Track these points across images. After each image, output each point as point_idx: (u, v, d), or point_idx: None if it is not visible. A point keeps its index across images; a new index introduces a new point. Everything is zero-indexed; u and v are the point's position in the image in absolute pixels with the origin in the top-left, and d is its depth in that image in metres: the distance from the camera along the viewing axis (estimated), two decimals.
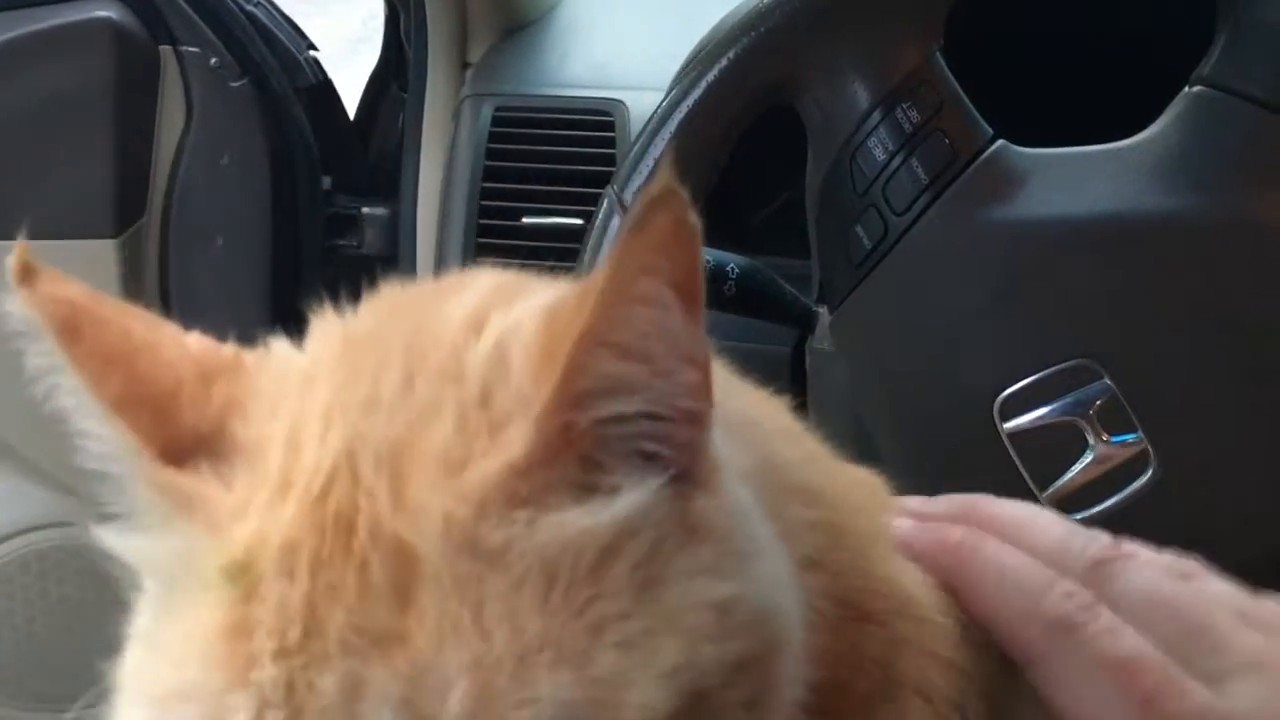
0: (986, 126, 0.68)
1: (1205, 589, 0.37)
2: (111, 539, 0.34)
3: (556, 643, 0.29)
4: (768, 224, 1.14)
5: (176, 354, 0.35)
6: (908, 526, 0.40)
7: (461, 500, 0.30)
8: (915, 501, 0.42)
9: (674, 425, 0.31)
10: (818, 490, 0.38)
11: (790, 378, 0.96)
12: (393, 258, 1.25)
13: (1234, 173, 0.64)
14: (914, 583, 0.38)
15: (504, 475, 0.30)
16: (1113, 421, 0.64)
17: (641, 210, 0.28)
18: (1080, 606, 0.35)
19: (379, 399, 0.32)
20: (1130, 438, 0.64)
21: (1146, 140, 0.66)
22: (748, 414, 0.38)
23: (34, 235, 1.11)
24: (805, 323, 0.86)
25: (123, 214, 1.14)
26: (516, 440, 0.30)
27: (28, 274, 0.34)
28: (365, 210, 1.29)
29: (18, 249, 0.34)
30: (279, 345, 0.37)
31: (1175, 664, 0.34)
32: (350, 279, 1.38)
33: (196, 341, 0.37)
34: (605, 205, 0.74)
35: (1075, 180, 0.67)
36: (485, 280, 0.37)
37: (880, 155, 0.68)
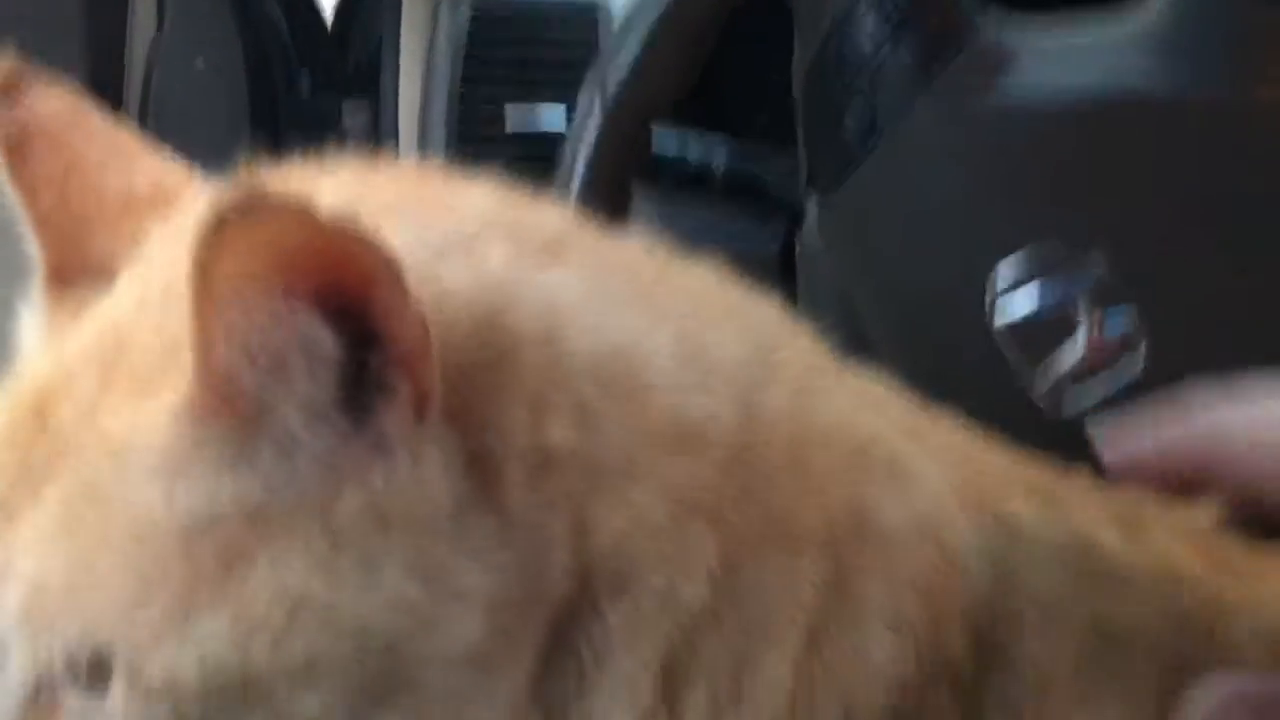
0: (976, 8, 0.66)
1: None
2: (22, 317, 0.36)
3: (116, 588, 0.29)
4: (755, 118, 1.12)
5: (116, 181, 0.36)
6: (1139, 447, 0.39)
7: (131, 430, 0.29)
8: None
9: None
10: (720, 430, 0.34)
11: (779, 275, 0.95)
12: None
13: (1230, 49, 0.63)
14: (893, 505, 0.37)
15: (172, 419, 0.29)
16: (1105, 311, 0.64)
17: (219, 223, 0.25)
18: None
19: (150, 292, 0.32)
20: (1122, 321, 0.64)
21: (1140, 18, 0.65)
22: (637, 376, 0.33)
23: None
24: (793, 215, 0.85)
25: None
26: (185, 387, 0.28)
27: (9, 90, 0.35)
28: (346, 107, 1.27)
29: (3, 67, 0.36)
30: (214, 187, 0.36)
31: None
32: None
33: (151, 169, 0.37)
34: (585, 96, 0.72)
35: (1067, 61, 0.66)
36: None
37: (868, 42, 0.67)
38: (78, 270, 0.35)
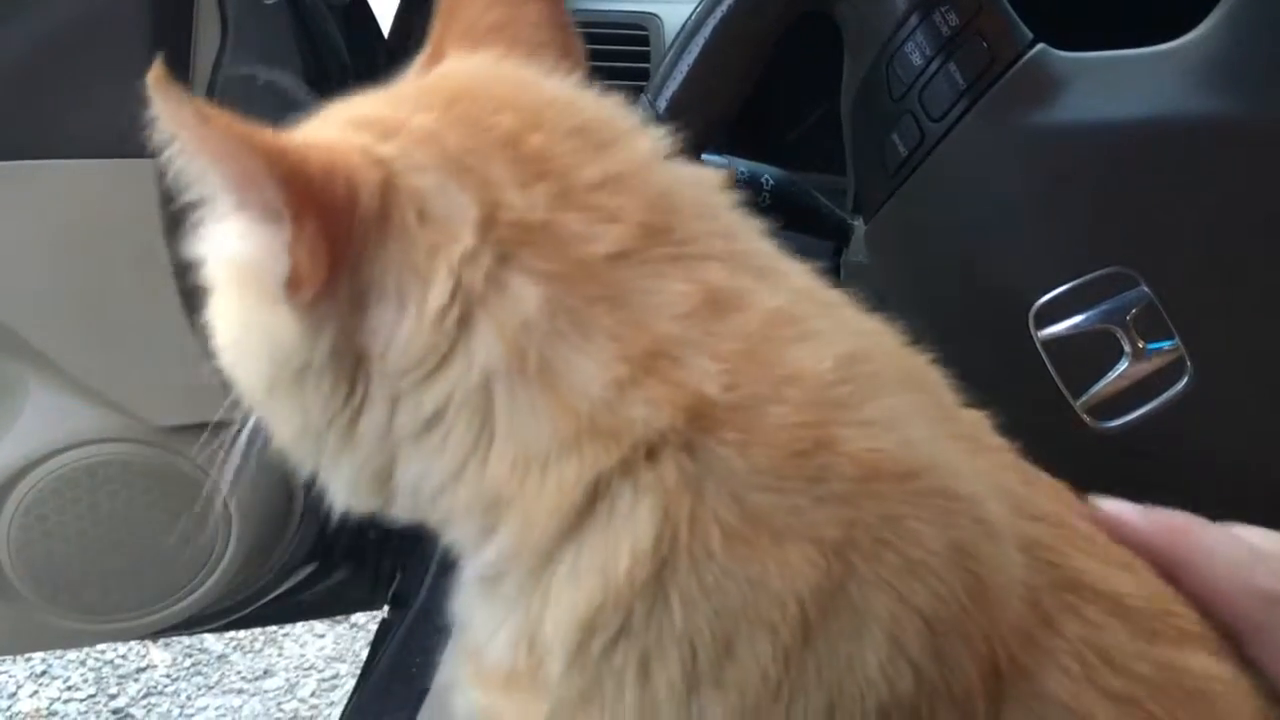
0: (1026, 30, 0.67)
1: None
2: None
3: None
4: (804, 139, 1.13)
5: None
6: (1131, 512, 0.43)
7: None
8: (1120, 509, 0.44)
9: None
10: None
11: None
12: None
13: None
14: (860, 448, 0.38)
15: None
16: (1149, 329, 0.64)
17: None
18: None
19: None
20: (1166, 345, 0.64)
21: (1193, 42, 0.65)
22: None
23: (77, 154, 1.11)
24: (840, 234, 0.86)
25: None
26: None
27: None
28: None
29: None
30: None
31: None
32: None
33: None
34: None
35: (1117, 84, 0.66)
36: None
37: (917, 60, 0.67)
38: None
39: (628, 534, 0.37)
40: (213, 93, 1.20)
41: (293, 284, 0.39)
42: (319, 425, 0.41)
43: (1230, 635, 0.41)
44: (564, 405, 0.37)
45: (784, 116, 1.13)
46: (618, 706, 0.37)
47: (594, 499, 0.37)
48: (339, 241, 0.38)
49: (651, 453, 0.37)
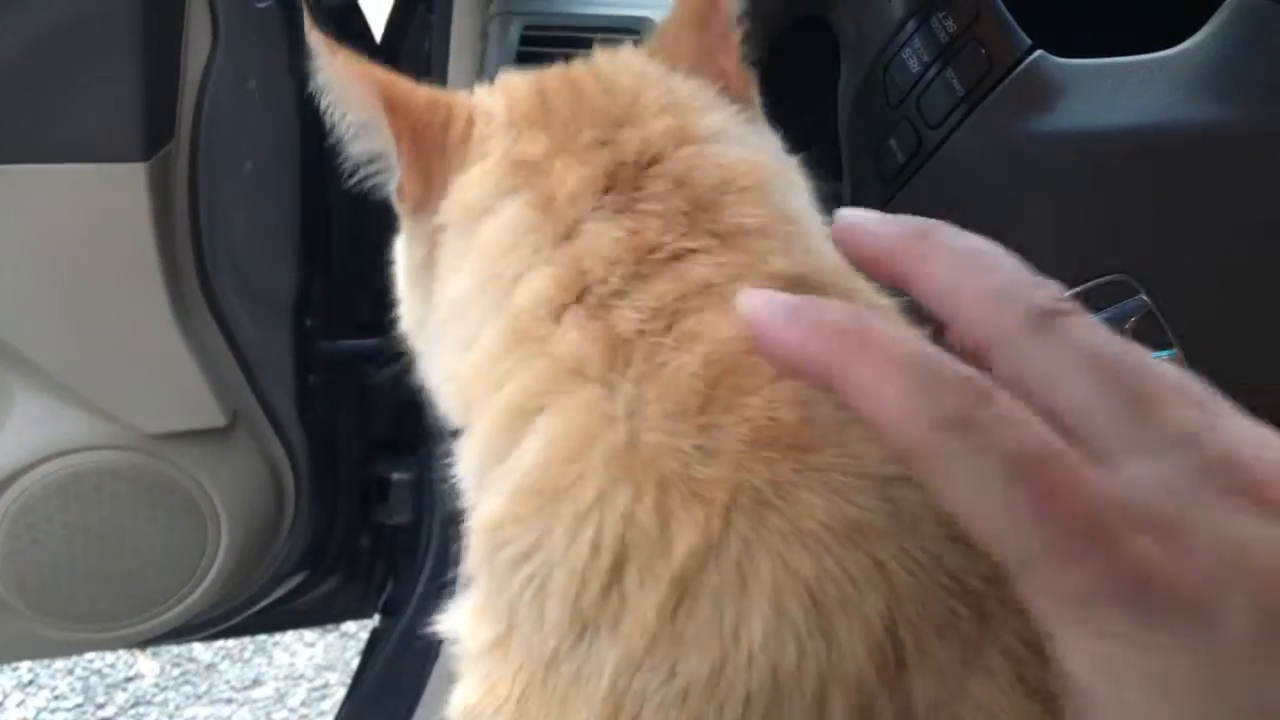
0: (1024, 36, 0.66)
1: (1149, 358, 0.30)
2: None
3: None
4: (800, 145, 1.12)
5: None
6: (868, 221, 0.34)
7: None
8: (862, 215, 0.35)
9: None
10: None
11: None
12: None
13: (1274, 82, 0.63)
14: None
15: None
16: (1149, 338, 0.63)
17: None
18: (975, 397, 0.28)
19: None
20: (1166, 354, 0.63)
21: (1189, 50, 0.64)
22: None
23: (64, 158, 1.10)
24: None
25: (151, 137, 1.14)
26: None
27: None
28: None
29: None
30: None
31: (1083, 446, 0.28)
32: (381, 205, 1.37)
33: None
34: None
35: (1115, 92, 0.65)
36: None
37: (915, 66, 0.67)
38: None
39: (524, 459, 0.41)
40: (203, 95, 1.19)
41: (400, 193, 0.49)
42: (417, 320, 0.51)
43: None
44: (510, 313, 0.44)
45: (780, 122, 1.12)
46: (532, 640, 0.39)
47: (522, 423, 0.42)
48: (432, 162, 0.48)
49: (572, 380, 0.42)
